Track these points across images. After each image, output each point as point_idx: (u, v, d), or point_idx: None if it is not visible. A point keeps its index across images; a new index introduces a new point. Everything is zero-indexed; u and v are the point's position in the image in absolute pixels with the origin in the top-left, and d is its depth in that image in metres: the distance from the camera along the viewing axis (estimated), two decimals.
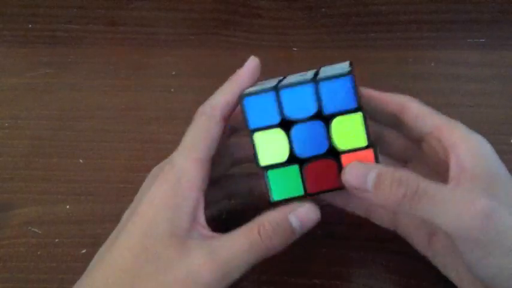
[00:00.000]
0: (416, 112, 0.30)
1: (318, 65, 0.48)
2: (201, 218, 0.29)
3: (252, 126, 0.28)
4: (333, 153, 0.28)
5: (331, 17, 0.52)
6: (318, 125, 0.28)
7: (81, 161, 0.42)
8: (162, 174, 0.28)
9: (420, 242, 0.32)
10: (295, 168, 0.29)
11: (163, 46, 0.51)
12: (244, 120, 0.28)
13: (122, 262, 0.27)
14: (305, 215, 0.27)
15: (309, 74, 0.29)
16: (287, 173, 0.29)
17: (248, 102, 0.27)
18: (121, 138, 0.43)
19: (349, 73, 0.27)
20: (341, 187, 0.29)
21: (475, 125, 0.42)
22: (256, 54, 0.50)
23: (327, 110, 0.27)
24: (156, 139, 0.43)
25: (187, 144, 0.29)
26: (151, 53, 0.50)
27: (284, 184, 0.29)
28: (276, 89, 0.27)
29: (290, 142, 0.28)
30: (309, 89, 0.27)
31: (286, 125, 0.28)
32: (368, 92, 0.32)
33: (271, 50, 0.50)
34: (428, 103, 0.42)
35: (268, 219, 0.27)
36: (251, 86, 0.30)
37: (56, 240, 0.37)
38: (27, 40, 0.52)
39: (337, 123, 0.28)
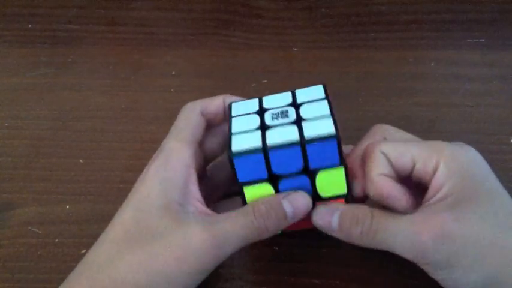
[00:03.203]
0: (394, 153, 0.29)
1: (318, 65, 0.48)
2: (196, 193, 0.30)
3: (241, 180, 0.29)
4: (316, 199, 0.30)
5: (331, 17, 0.52)
6: (304, 178, 0.29)
7: (81, 161, 0.42)
8: (153, 158, 0.31)
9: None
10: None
11: (163, 46, 0.51)
12: (234, 175, 0.29)
13: (112, 235, 0.28)
14: (297, 201, 0.29)
15: (286, 98, 0.31)
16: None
17: (237, 161, 0.28)
18: (121, 138, 0.43)
19: (335, 136, 0.28)
20: (314, 228, 0.30)
21: (475, 125, 0.42)
22: (256, 54, 0.50)
23: (312, 165, 0.29)
24: (156, 139, 0.43)
25: (173, 131, 0.32)
26: (151, 53, 0.51)
27: None
28: (263, 149, 0.28)
29: (276, 191, 0.30)
30: (296, 149, 0.28)
31: (273, 178, 0.29)
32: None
33: (271, 50, 0.50)
34: (428, 103, 0.42)
35: (262, 201, 0.28)
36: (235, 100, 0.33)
37: (56, 240, 0.37)
38: (27, 40, 0.52)
39: (321, 176, 0.29)
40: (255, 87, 0.46)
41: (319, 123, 0.28)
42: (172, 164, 0.29)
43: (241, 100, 0.33)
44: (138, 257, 0.27)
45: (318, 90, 0.31)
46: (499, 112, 0.43)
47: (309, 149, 0.28)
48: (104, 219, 0.38)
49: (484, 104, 0.44)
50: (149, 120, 0.45)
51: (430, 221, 0.26)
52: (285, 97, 0.32)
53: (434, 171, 0.28)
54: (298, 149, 0.28)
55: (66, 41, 0.52)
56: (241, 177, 0.29)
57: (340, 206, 0.29)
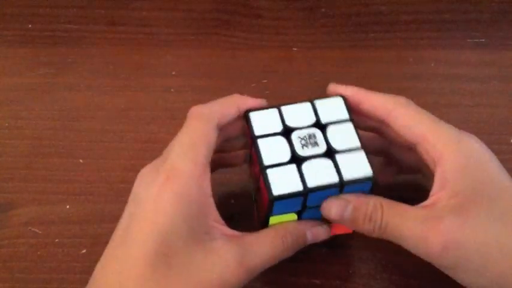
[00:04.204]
0: (402, 121, 0.30)
1: (318, 65, 0.48)
2: (217, 217, 0.29)
3: (274, 213, 0.29)
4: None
5: (331, 17, 0.52)
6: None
7: (81, 161, 0.42)
8: (166, 182, 0.27)
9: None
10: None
11: (163, 46, 0.51)
12: (268, 209, 0.29)
13: (139, 271, 0.26)
14: (319, 234, 0.31)
15: (308, 113, 0.31)
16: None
17: (277, 203, 0.28)
18: (121, 138, 0.43)
19: (372, 178, 0.28)
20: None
21: (475, 125, 0.42)
22: (256, 54, 0.50)
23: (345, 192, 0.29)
24: (156, 139, 0.43)
25: (187, 148, 0.29)
26: (151, 53, 0.50)
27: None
28: (304, 192, 0.28)
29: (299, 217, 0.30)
30: (334, 189, 0.29)
31: (303, 209, 0.30)
32: (357, 94, 0.32)
33: (271, 50, 0.50)
34: (428, 103, 0.42)
35: (290, 233, 0.29)
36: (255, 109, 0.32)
37: (56, 240, 0.37)
38: (27, 40, 0.52)
39: None
40: (255, 87, 0.46)
41: (354, 160, 0.29)
42: (194, 196, 0.27)
43: (258, 109, 0.32)
44: None
45: (338, 104, 0.31)
46: (499, 112, 0.43)
47: (347, 187, 0.29)
48: (104, 219, 0.38)
49: (484, 104, 0.44)
50: (149, 120, 0.45)
51: (436, 226, 0.26)
52: (306, 111, 0.31)
53: (436, 157, 0.28)
54: (337, 188, 0.29)
55: (66, 41, 0.52)
56: (275, 212, 0.29)
57: (351, 198, 0.29)
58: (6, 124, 0.45)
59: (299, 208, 0.29)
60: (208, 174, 0.29)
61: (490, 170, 0.28)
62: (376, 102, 0.31)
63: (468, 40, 0.49)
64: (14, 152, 0.43)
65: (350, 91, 0.32)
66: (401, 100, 0.31)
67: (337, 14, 0.52)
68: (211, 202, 0.29)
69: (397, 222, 0.27)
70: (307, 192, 0.28)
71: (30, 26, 0.54)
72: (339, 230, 0.32)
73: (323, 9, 0.53)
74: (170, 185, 0.27)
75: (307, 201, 0.29)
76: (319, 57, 0.49)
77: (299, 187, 0.28)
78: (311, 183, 0.28)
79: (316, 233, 0.30)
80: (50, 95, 0.47)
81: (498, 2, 0.51)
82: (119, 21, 0.53)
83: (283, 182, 0.28)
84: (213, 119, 0.30)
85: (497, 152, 0.39)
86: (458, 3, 0.51)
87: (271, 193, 0.28)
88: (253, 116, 0.31)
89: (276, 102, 0.46)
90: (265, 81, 0.47)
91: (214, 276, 0.26)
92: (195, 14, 0.54)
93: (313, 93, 0.45)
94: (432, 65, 0.47)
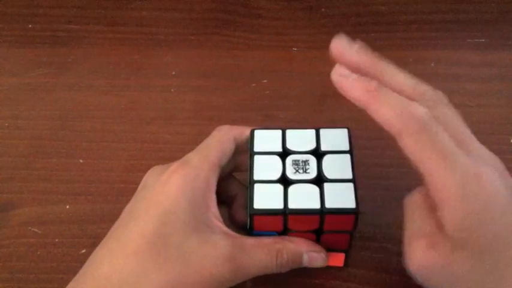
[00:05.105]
0: (411, 150, 0.26)
1: (318, 65, 0.48)
2: (218, 215, 0.30)
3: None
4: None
5: (331, 17, 0.52)
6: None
7: (81, 161, 0.42)
8: (176, 170, 0.29)
9: None
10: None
11: (163, 46, 0.51)
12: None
13: (134, 248, 0.27)
14: (317, 260, 0.31)
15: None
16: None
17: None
18: (121, 138, 0.43)
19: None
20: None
21: (475, 125, 0.42)
22: (256, 54, 0.50)
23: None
24: (156, 139, 0.43)
25: (201, 149, 0.31)
26: (151, 53, 0.51)
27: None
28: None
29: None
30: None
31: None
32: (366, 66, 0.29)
33: (271, 50, 0.50)
34: None
35: (286, 251, 0.29)
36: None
37: (56, 240, 0.37)
38: (27, 40, 0.52)
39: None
40: (255, 87, 0.46)
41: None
42: (200, 185, 0.29)
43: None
44: (166, 277, 0.26)
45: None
46: (499, 112, 0.43)
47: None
48: (104, 219, 0.38)
49: (484, 104, 0.44)
50: (149, 120, 0.45)
51: (418, 254, 0.25)
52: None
53: (440, 204, 0.25)
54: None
55: (66, 41, 0.52)
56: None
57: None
58: (6, 124, 0.45)
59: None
60: (216, 174, 0.30)
61: (491, 220, 0.25)
62: (386, 115, 0.28)
63: (468, 40, 0.49)
64: (14, 152, 0.43)
65: (358, 57, 0.29)
66: (415, 126, 0.27)
67: (337, 14, 0.52)
68: (214, 198, 0.30)
69: (405, 248, 0.27)
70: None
71: (30, 26, 0.54)
72: (332, 262, 0.33)
73: (323, 9, 0.53)
74: (179, 172, 0.29)
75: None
76: (319, 57, 0.49)
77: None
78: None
79: (314, 258, 0.30)
80: (50, 95, 0.47)
81: (498, 2, 0.51)
82: (119, 21, 0.54)
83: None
84: (229, 130, 0.32)
85: (497, 152, 0.39)
86: (458, 3, 0.51)
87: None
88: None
89: (275, 102, 0.46)
90: (265, 81, 0.47)
91: (206, 265, 0.27)
92: (195, 14, 0.54)
93: (313, 93, 0.46)
94: (432, 65, 0.47)
